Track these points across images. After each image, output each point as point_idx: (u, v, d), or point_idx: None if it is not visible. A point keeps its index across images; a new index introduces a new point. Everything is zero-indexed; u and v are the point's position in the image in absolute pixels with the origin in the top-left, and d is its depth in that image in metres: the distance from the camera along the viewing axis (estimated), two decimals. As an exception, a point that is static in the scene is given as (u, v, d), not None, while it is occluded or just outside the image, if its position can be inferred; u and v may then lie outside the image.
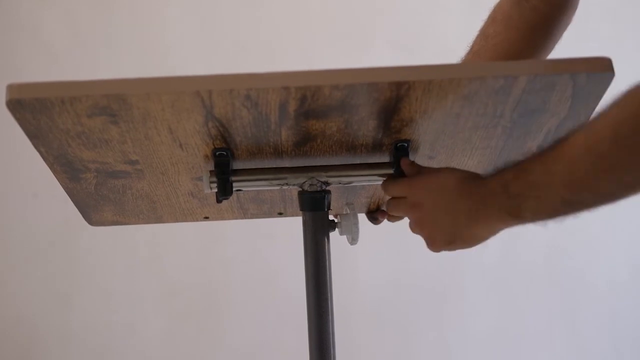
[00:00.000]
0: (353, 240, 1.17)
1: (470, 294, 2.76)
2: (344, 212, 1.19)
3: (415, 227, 1.05)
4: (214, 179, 1.07)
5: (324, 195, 1.14)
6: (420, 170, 1.06)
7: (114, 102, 0.91)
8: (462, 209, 0.99)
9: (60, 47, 2.61)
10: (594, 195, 0.87)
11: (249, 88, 0.90)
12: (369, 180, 1.15)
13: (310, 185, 1.13)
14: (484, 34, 1.29)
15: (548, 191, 0.90)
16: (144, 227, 2.64)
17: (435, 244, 1.03)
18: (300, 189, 1.15)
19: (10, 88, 0.89)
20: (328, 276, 1.14)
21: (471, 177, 1.01)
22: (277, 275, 2.70)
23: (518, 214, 0.93)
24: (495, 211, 0.95)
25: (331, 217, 1.16)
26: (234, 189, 1.10)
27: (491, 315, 2.77)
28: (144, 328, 2.68)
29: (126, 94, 0.90)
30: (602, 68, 0.92)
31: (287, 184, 1.13)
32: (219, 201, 1.08)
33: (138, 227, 2.64)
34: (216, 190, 1.07)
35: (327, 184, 1.15)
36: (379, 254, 2.68)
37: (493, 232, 0.99)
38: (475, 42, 1.30)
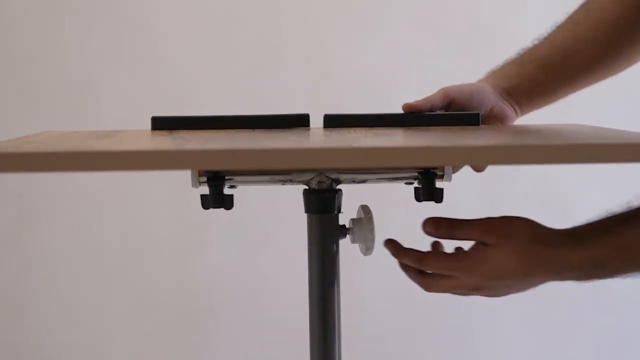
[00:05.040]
0: (367, 250, 1.15)
1: (501, 317, 2.76)
2: (357, 216, 1.18)
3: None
4: (204, 178, 1.09)
5: (334, 196, 1.14)
6: (454, 229, 1.11)
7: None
8: (534, 280, 1.09)
9: (17, 11, 2.59)
10: None
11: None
12: (387, 179, 1.16)
13: (319, 182, 1.14)
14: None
15: None
16: (112, 229, 2.62)
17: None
18: (306, 187, 1.15)
19: None
20: (336, 293, 1.14)
21: (540, 242, 1.08)
22: (272, 290, 2.66)
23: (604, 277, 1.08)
24: (577, 276, 1.08)
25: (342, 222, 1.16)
26: (227, 187, 1.11)
27: (526, 344, 2.75)
28: (110, 349, 2.64)
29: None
30: None
31: (291, 180, 1.14)
32: (205, 208, 1.09)
33: (105, 229, 2.62)
34: (207, 192, 1.09)
35: (338, 182, 1.15)
36: (389, 266, 2.66)
37: None
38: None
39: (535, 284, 1.10)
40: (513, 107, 1.28)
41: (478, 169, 1.26)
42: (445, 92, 1.25)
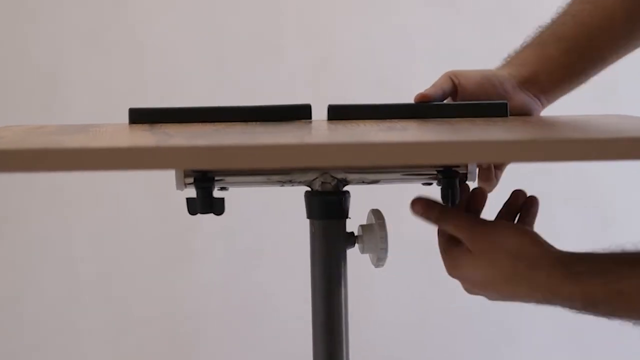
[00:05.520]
0: (379, 260, 1.15)
1: (534, 337, 2.75)
2: (368, 222, 1.17)
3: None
4: (191, 180, 1.09)
5: (341, 199, 1.14)
6: (441, 220, 1.12)
7: None
8: (521, 298, 1.11)
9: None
10: None
11: None
12: (401, 180, 1.16)
13: (323, 184, 1.13)
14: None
15: None
16: (84, 238, 2.62)
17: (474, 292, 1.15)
18: (308, 189, 1.15)
19: None
20: (343, 310, 1.14)
21: (524, 261, 1.08)
22: (269, 308, 2.67)
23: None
24: (569, 306, 1.09)
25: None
26: (217, 188, 1.11)
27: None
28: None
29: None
30: None
31: (290, 181, 1.14)
32: (192, 213, 1.10)
33: (76, 238, 2.62)
34: (194, 195, 1.09)
35: (345, 182, 1.15)
36: (403, 279, 2.68)
37: None
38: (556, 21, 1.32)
39: (528, 300, 1.11)
40: (537, 97, 1.27)
41: (499, 167, 1.26)
42: (450, 77, 1.25)
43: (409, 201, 1.13)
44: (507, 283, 1.08)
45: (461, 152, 0.87)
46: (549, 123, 1.16)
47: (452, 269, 1.12)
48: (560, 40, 1.29)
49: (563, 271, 1.06)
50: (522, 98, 1.26)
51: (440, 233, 1.14)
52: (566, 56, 1.28)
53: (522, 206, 1.16)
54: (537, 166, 2.58)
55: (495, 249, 1.08)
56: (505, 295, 1.10)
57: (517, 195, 1.16)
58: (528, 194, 1.17)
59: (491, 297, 1.13)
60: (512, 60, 1.30)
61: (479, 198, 1.16)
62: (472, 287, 1.13)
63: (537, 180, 2.66)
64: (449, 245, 1.12)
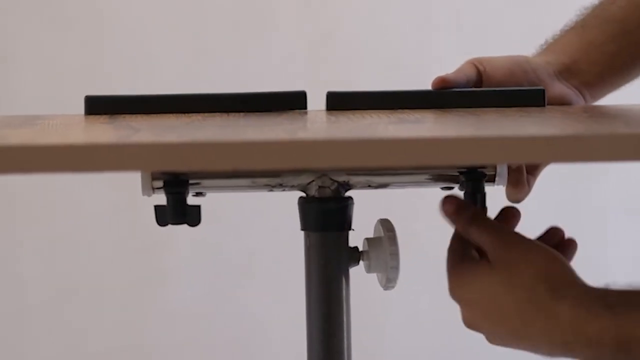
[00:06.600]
0: (389, 281, 1.15)
1: None
2: (375, 234, 1.17)
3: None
4: (160, 183, 1.09)
5: (343, 206, 1.14)
6: (471, 224, 1.09)
7: None
8: (532, 340, 1.07)
9: None
10: None
11: None
12: (416, 183, 1.18)
13: (320, 188, 1.14)
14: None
15: None
16: (37, 252, 2.63)
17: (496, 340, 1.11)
18: (302, 195, 1.16)
19: None
20: (345, 340, 1.15)
21: (548, 288, 1.05)
22: (258, 338, 2.69)
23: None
24: (594, 355, 1.04)
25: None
26: (192, 194, 1.11)
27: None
28: None
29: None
30: None
31: (281, 185, 1.14)
32: (162, 224, 1.10)
33: (25, 251, 2.63)
34: (164, 202, 1.09)
35: (347, 187, 1.15)
36: (418, 303, 2.67)
37: None
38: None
39: (539, 343, 1.07)
40: (579, 91, 1.27)
41: (532, 172, 1.26)
42: (474, 63, 1.25)
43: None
44: (520, 311, 1.06)
45: (490, 151, 0.86)
46: (597, 114, 1.16)
47: (458, 286, 1.10)
48: (607, 22, 1.29)
49: (593, 303, 1.04)
50: (560, 89, 1.26)
51: (454, 242, 1.12)
52: (613, 42, 1.29)
53: (557, 246, 1.14)
54: (589, 168, 2.59)
55: (520, 263, 1.06)
56: (513, 329, 1.07)
57: (554, 232, 1.14)
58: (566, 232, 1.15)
59: (494, 332, 1.09)
60: (550, 47, 1.30)
61: (510, 216, 1.15)
62: (473, 314, 1.10)
63: (588, 184, 2.67)
64: (462, 259, 1.11)
